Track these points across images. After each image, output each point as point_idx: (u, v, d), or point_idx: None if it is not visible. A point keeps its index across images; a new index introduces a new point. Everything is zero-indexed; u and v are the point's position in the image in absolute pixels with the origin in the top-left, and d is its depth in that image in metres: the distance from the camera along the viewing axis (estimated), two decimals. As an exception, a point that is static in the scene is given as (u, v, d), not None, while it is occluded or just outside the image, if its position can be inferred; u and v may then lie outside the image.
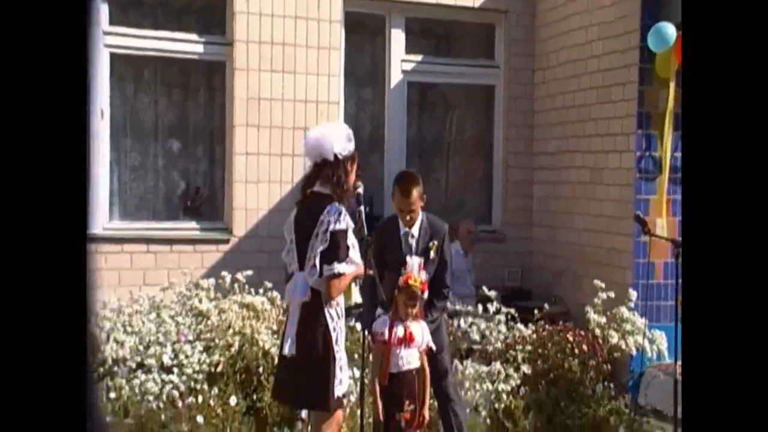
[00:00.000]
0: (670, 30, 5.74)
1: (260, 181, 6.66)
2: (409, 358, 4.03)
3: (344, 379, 3.72)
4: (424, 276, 4.09)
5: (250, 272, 5.69)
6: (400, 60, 7.26)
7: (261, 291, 5.60)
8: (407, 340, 3.99)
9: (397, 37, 7.24)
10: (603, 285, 5.48)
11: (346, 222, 3.66)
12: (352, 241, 3.73)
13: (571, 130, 6.89)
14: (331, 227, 3.60)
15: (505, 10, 7.43)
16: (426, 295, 4.12)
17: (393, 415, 4.01)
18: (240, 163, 6.62)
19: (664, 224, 5.53)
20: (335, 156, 3.71)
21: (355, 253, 3.72)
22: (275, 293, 5.55)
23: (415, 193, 4.31)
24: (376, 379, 3.97)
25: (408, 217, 4.37)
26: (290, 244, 3.86)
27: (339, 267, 3.61)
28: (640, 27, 6.06)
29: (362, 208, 4.09)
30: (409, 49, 7.31)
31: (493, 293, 5.62)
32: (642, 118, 6.11)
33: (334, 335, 3.66)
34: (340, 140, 3.75)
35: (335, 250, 3.60)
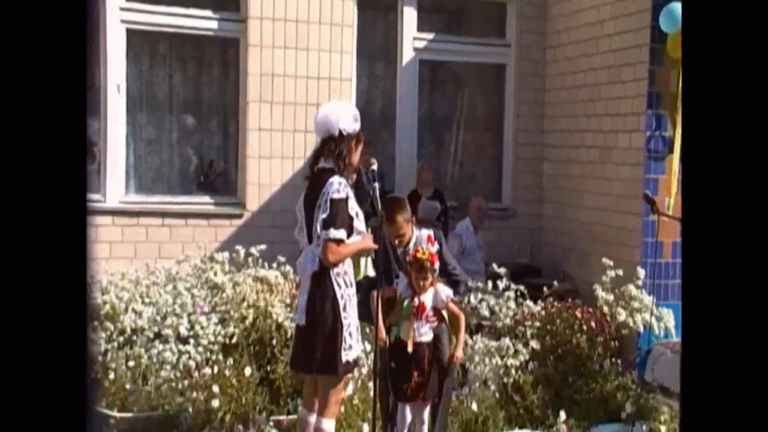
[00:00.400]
0: (681, 9, 5.78)
1: (273, 156, 6.75)
2: (421, 330, 4.14)
3: (354, 345, 3.83)
4: (432, 248, 4.18)
5: (263, 246, 5.81)
6: (412, 37, 7.30)
7: (274, 265, 5.71)
8: (419, 311, 4.10)
9: (409, 15, 7.28)
10: (611, 263, 5.57)
11: (345, 192, 3.78)
12: (355, 210, 3.83)
13: (581, 109, 6.94)
14: (330, 196, 3.72)
15: (518, -12, 7.46)
16: (437, 266, 4.20)
17: (401, 386, 4.14)
18: (253, 138, 6.70)
19: (671, 203, 5.60)
20: (340, 132, 3.83)
21: (359, 223, 3.84)
22: (288, 267, 5.67)
23: (401, 219, 4.32)
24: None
25: (397, 241, 4.42)
26: (300, 221, 3.99)
27: (333, 232, 3.72)
28: (652, 7, 6.09)
29: (376, 184, 4.18)
30: (421, 26, 7.35)
31: (502, 270, 5.72)
32: (652, 98, 6.16)
33: (342, 302, 3.78)
34: (347, 118, 3.87)
35: (332, 217, 3.72)
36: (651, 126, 6.16)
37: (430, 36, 7.38)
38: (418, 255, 4.13)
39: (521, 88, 7.53)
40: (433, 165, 7.38)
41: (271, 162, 6.75)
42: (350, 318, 3.83)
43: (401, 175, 7.28)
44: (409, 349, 4.10)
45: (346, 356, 3.80)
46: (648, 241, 5.73)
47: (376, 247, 3.94)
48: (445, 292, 4.21)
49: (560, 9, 7.36)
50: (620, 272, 5.53)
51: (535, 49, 7.54)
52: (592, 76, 6.87)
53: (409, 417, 4.26)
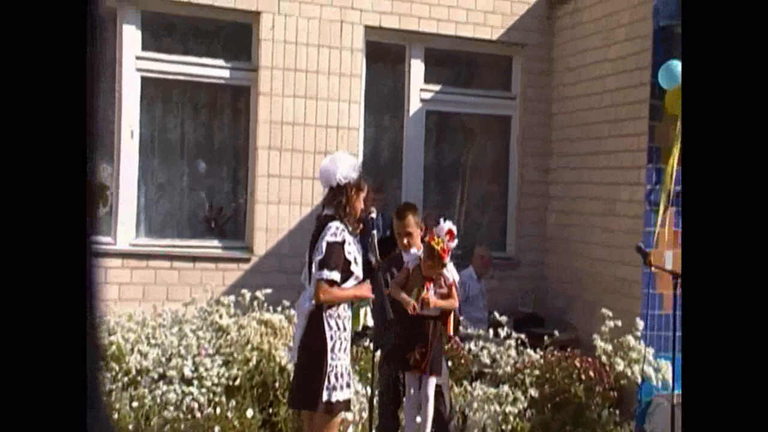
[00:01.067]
0: (680, 68, 6.01)
1: (281, 202, 6.96)
2: (426, 309, 4.43)
3: (342, 387, 3.96)
4: (450, 243, 4.44)
5: (269, 290, 5.96)
6: (419, 89, 7.56)
7: (279, 309, 5.86)
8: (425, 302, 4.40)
9: (417, 67, 7.55)
10: (610, 313, 5.70)
11: (342, 236, 3.96)
12: (353, 255, 4.01)
13: (584, 162, 7.14)
14: (326, 239, 3.91)
15: (523, 43, 7.73)
16: (448, 260, 4.48)
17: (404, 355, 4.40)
18: (262, 184, 6.92)
19: (663, 257, 5.77)
20: (338, 182, 4.03)
21: (357, 268, 4.01)
22: (293, 311, 5.81)
23: (411, 217, 4.62)
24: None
25: (405, 241, 4.63)
26: (305, 265, 4.17)
27: (326, 273, 3.89)
28: (652, 64, 6.33)
29: (374, 232, 4.40)
30: (428, 78, 7.61)
31: (504, 318, 5.85)
32: (652, 153, 6.36)
33: (330, 343, 3.91)
34: (345, 168, 4.08)
35: (326, 259, 3.90)
36: (651, 180, 6.34)
37: (437, 87, 7.64)
38: (433, 243, 4.41)
39: (526, 139, 7.76)
40: (438, 215, 7.57)
41: (279, 207, 6.95)
42: (339, 360, 3.96)
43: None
44: (417, 309, 4.35)
45: (329, 395, 3.91)
46: (648, 293, 5.87)
47: (371, 296, 4.12)
48: (453, 274, 4.43)
49: (564, 64, 7.62)
50: (619, 323, 5.66)
51: (540, 102, 7.78)
52: (595, 129, 7.09)
53: (413, 389, 4.48)
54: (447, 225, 4.50)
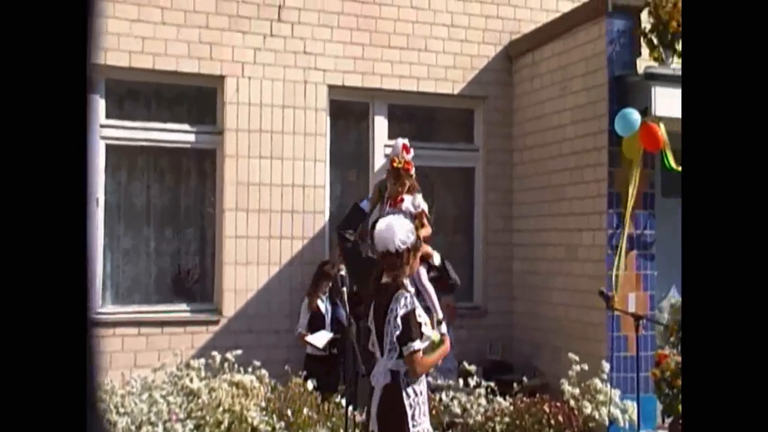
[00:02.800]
0: (634, 115, 6.39)
1: (249, 263, 7.17)
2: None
3: None
4: (408, 156, 5.33)
5: (239, 351, 6.14)
6: (383, 144, 7.88)
7: (250, 370, 6.03)
8: (396, 203, 5.26)
9: (380, 123, 7.89)
10: (577, 357, 5.94)
11: (412, 304, 4.14)
12: (423, 318, 4.20)
13: (547, 209, 7.46)
14: (399, 313, 4.09)
15: (484, 96, 8.12)
16: (413, 173, 5.37)
17: None
18: (230, 245, 7.14)
19: (626, 299, 6.04)
20: (396, 249, 4.22)
21: (427, 329, 4.20)
22: (263, 371, 6.00)
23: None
24: None
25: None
26: (372, 335, 4.36)
27: (415, 345, 4.07)
28: (608, 112, 6.71)
29: (344, 289, 4.66)
30: (392, 133, 7.94)
31: (473, 367, 6.06)
32: (612, 198, 6.69)
33: (410, 412, 4.10)
34: (402, 234, 4.24)
35: (407, 332, 4.08)
36: (612, 224, 6.66)
37: (401, 143, 7.97)
38: (395, 164, 5.15)
39: (489, 189, 8.08)
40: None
41: (247, 268, 7.16)
42: (420, 425, 4.14)
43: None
44: None
45: None
46: (612, 336, 6.13)
47: (449, 348, 4.37)
48: (421, 202, 5.16)
49: (524, 114, 8.00)
50: (586, 366, 5.89)
51: (502, 153, 8.14)
52: (556, 177, 7.43)
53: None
54: (400, 141, 5.24)
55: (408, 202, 5.31)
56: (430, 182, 8.31)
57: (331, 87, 7.58)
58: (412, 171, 5.27)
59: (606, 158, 6.75)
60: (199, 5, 7.15)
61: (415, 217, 5.34)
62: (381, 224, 4.38)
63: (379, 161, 7.87)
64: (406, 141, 5.21)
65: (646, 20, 6.97)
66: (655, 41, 6.95)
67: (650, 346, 6.25)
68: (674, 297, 6.94)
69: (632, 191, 6.38)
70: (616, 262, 6.35)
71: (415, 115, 8.24)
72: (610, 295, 5.20)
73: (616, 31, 6.81)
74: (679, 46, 6.96)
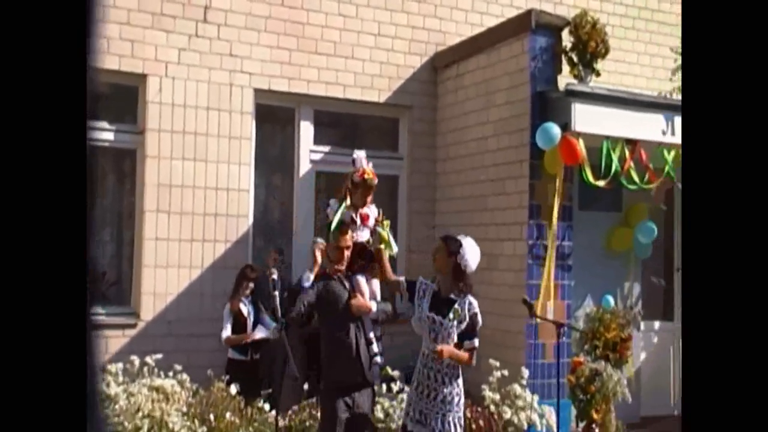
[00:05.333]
0: (555, 130, 6.77)
1: (170, 266, 7.18)
2: (362, 234, 5.42)
3: None
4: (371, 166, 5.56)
5: (159, 356, 6.16)
6: (308, 150, 8.04)
7: (170, 374, 6.06)
8: (363, 221, 5.39)
9: (306, 129, 8.05)
10: (497, 364, 6.24)
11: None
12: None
13: (469, 219, 7.77)
14: (476, 311, 4.79)
15: (409, 105, 8.39)
16: (376, 181, 5.55)
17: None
18: (149, 248, 7.13)
19: (546, 308, 6.40)
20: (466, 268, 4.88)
21: None
22: (185, 375, 6.03)
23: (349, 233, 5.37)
24: None
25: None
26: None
27: (476, 342, 4.77)
28: (530, 126, 7.07)
29: (276, 293, 4.83)
30: (318, 139, 8.11)
31: (396, 373, 6.27)
32: (533, 210, 7.05)
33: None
34: (473, 261, 4.91)
35: (474, 329, 4.77)
36: (533, 235, 7.01)
37: (326, 149, 8.15)
38: (366, 177, 5.48)
39: (413, 198, 8.34)
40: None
41: (167, 271, 7.17)
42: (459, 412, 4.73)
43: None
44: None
45: None
46: (532, 343, 6.47)
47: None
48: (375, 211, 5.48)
49: (449, 125, 8.31)
50: (506, 372, 6.20)
51: (426, 162, 8.42)
52: (478, 187, 7.75)
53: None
54: (362, 153, 5.65)
55: (371, 217, 5.57)
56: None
57: (257, 91, 7.68)
58: (376, 180, 5.65)
59: (527, 171, 7.10)
60: (120, 1, 7.12)
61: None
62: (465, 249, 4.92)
63: (304, 166, 8.02)
64: (363, 152, 5.64)
65: (567, 39, 7.39)
66: (575, 59, 7.38)
67: (566, 353, 6.61)
68: (589, 306, 7.35)
69: (556, 203, 6.73)
70: (544, 272, 6.68)
71: (340, 122, 8.43)
72: (532, 303, 5.50)
73: (539, 48, 7.19)
74: (597, 65, 7.42)
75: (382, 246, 5.34)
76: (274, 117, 8.05)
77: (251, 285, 6.82)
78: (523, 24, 7.31)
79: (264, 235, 7.92)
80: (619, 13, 9.62)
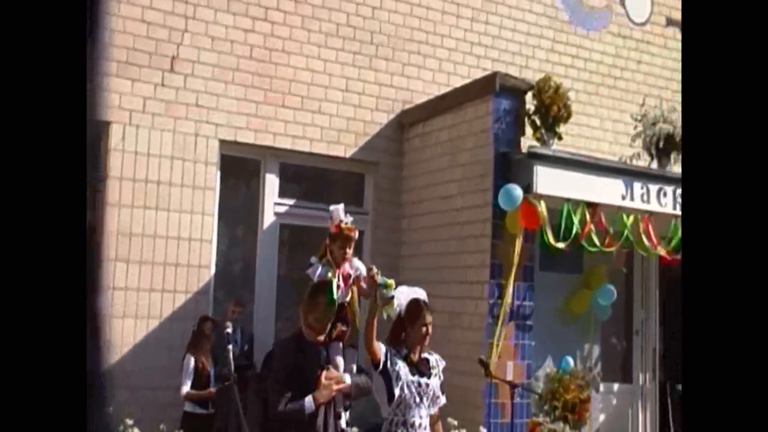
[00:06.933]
0: (517, 191, 7.00)
1: (126, 316, 7.19)
2: (344, 296, 5.18)
3: None
4: (349, 218, 5.29)
5: (109, 408, 6.14)
6: (273, 203, 8.17)
7: (121, 428, 6.05)
8: (344, 282, 5.14)
9: (271, 181, 8.20)
10: (456, 423, 6.34)
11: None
12: None
13: (432, 276, 7.92)
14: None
15: (375, 161, 8.60)
16: (356, 234, 5.31)
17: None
18: (107, 297, 7.15)
19: (504, 367, 6.56)
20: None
21: None
22: (136, 430, 6.03)
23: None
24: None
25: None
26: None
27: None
28: (493, 187, 7.30)
29: (230, 347, 4.91)
30: (283, 192, 8.26)
31: (355, 430, 6.33)
32: (494, 269, 7.24)
33: None
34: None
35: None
36: (494, 294, 7.19)
37: (291, 202, 8.30)
38: (346, 229, 5.27)
39: (378, 254, 8.49)
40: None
41: (124, 321, 7.17)
42: None
43: (258, 335, 7.87)
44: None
45: None
46: (489, 403, 6.59)
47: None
48: (362, 268, 5.24)
49: (414, 183, 8.53)
50: (464, 431, 6.30)
51: (391, 219, 8.60)
52: (443, 245, 7.94)
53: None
54: (340, 206, 5.46)
55: (352, 277, 5.33)
56: (320, 243, 8.64)
57: (222, 142, 7.83)
58: (356, 234, 5.43)
59: (490, 230, 7.31)
60: (89, 48, 7.26)
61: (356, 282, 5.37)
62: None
63: (268, 218, 8.14)
64: (341, 205, 5.58)
65: (531, 102, 7.71)
66: (538, 122, 7.68)
67: (525, 414, 6.74)
68: (549, 367, 7.51)
69: (515, 263, 6.94)
70: (497, 332, 6.86)
71: (305, 176, 8.60)
72: (488, 363, 5.65)
73: (502, 110, 7.47)
74: (559, 129, 7.72)
75: (385, 310, 4.81)
76: (240, 168, 8.19)
77: (210, 338, 6.87)
78: (487, 86, 7.61)
79: (225, 286, 8.00)
80: (584, 79, 10.03)
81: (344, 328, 5.13)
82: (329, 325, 4.76)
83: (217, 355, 6.81)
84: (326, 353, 4.77)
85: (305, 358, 4.53)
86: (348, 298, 5.33)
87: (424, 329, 4.85)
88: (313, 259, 5.45)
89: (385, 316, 4.82)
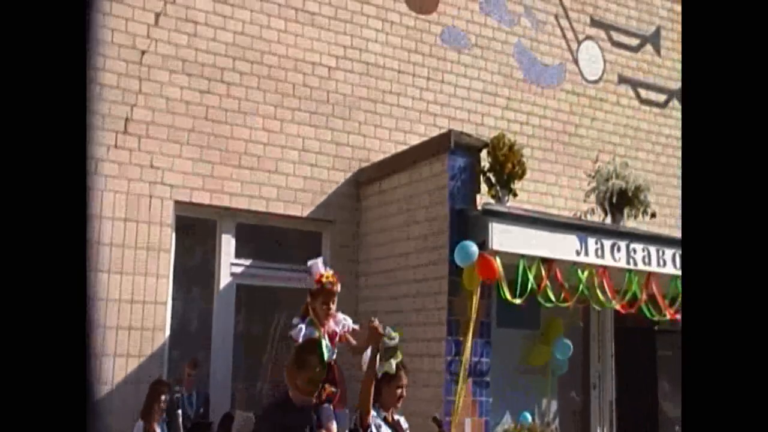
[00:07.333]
0: (472, 248, 7.08)
1: (78, 381, 7.08)
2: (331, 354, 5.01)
3: None
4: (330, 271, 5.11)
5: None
6: (229, 263, 8.16)
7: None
8: (331, 340, 4.94)
9: (227, 241, 8.19)
10: (413, 482, 6.28)
11: None
12: None
13: (390, 334, 7.93)
14: None
15: (332, 220, 8.65)
16: (338, 287, 5.16)
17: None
18: (58, 362, 7.03)
19: (463, 424, 6.54)
20: None
21: None
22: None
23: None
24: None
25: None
26: None
27: None
28: (449, 243, 7.38)
29: (179, 411, 4.86)
30: (239, 252, 8.26)
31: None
32: (451, 326, 7.27)
33: None
34: None
35: None
36: (451, 351, 7.21)
37: (248, 262, 8.29)
38: (323, 280, 5.13)
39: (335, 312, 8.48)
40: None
41: (75, 387, 7.06)
42: None
43: (215, 395, 7.77)
44: None
45: None
46: (447, 462, 6.54)
47: None
48: (348, 321, 5.05)
49: (371, 240, 8.58)
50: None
51: (348, 276, 8.59)
52: (400, 303, 7.96)
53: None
54: (320, 259, 5.33)
55: (338, 334, 5.20)
56: (277, 301, 8.63)
57: (177, 203, 7.83)
58: (339, 286, 5.26)
59: (446, 287, 7.36)
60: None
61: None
62: None
63: (224, 279, 8.12)
64: (320, 258, 5.33)
65: (486, 159, 7.85)
66: (493, 180, 7.81)
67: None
68: (507, 422, 7.51)
69: (472, 319, 6.98)
70: (458, 389, 6.84)
71: (262, 236, 8.60)
72: (441, 421, 5.65)
73: (458, 167, 7.59)
74: (514, 186, 7.86)
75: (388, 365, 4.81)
76: (195, 229, 8.18)
77: (164, 401, 6.77)
78: (442, 144, 7.73)
79: (181, 347, 7.91)
80: (539, 136, 10.24)
81: (333, 389, 4.96)
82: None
83: (171, 420, 6.72)
84: (317, 417, 4.59)
85: (296, 424, 4.34)
86: (334, 357, 5.18)
87: (399, 390, 4.84)
88: (296, 320, 5.27)
89: (387, 368, 4.83)
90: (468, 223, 7.43)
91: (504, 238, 7.21)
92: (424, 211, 7.85)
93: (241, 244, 8.29)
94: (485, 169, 7.86)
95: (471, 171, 7.69)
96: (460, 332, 7.25)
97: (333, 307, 5.29)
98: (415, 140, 8.86)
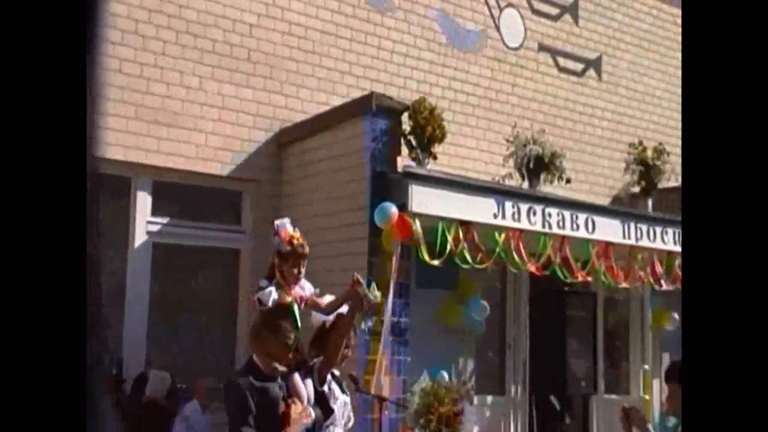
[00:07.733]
0: (391, 209, 7.16)
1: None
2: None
3: None
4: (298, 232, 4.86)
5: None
6: (145, 221, 8.03)
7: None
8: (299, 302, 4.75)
9: (143, 199, 8.05)
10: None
11: None
12: None
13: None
14: None
15: (253, 179, 8.60)
16: (308, 249, 4.87)
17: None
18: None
19: (381, 383, 6.71)
20: None
21: None
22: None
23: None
24: None
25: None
26: None
27: None
28: (369, 205, 7.44)
29: None
30: (156, 211, 8.13)
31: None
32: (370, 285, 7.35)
33: None
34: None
35: None
36: (370, 311, 7.30)
37: (165, 220, 8.17)
38: (294, 242, 4.88)
39: (256, 272, 8.46)
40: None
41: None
42: None
43: (129, 358, 7.69)
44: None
45: None
46: (363, 418, 6.67)
47: None
48: (310, 286, 4.93)
49: (293, 201, 8.56)
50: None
51: (269, 237, 8.59)
52: (321, 263, 7.95)
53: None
54: (286, 219, 5.10)
55: (305, 300, 4.94)
56: (195, 262, 8.56)
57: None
58: (308, 248, 4.91)
59: (366, 248, 7.44)
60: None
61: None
62: None
63: (140, 238, 7.99)
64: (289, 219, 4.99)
65: (407, 122, 7.92)
66: (414, 143, 7.90)
67: (395, 429, 6.88)
68: (425, 381, 7.69)
69: (391, 280, 7.09)
70: (378, 348, 6.97)
71: (180, 193, 8.48)
72: (357, 378, 5.75)
73: (378, 130, 7.63)
74: (434, 149, 7.97)
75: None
76: (108, 185, 7.99)
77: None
78: (364, 106, 7.76)
79: (94, 308, 7.76)
80: (460, 101, 10.36)
81: (299, 356, 4.74)
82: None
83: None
84: (286, 384, 4.41)
85: (267, 393, 4.16)
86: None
87: (347, 350, 4.84)
88: (263, 282, 4.96)
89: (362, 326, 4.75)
90: (388, 185, 7.50)
91: (423, 200, 7.32)
92: (344, 172, 7.88)
93: (158, 202, 8.16)
94: (406, 132, 7.93)
95: (392, 133, 7.75)
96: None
97: (303, 270, 5.01)
98: (337, 101, 8.85)
